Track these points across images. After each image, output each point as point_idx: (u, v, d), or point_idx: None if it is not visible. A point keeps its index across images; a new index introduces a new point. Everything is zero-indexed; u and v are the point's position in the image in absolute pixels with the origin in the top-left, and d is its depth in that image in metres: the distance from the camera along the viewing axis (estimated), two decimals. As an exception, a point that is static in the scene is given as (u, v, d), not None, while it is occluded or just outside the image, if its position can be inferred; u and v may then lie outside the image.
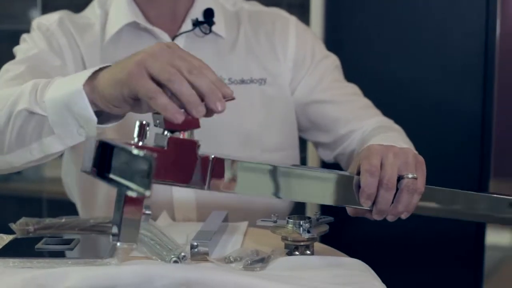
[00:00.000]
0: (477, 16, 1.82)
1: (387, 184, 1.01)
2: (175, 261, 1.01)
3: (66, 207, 1.56)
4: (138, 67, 0.92)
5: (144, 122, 0.90)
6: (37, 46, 1.39)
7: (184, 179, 0.94)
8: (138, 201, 0.87)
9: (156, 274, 0.88)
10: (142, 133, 0.90)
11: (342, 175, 1.05)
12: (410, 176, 1.03)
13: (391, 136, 1.35)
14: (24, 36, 1.44)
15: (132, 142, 0.89)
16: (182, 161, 0.93)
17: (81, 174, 1.45)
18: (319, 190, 1.03)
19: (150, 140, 0.92)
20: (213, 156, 0.95)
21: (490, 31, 1.81)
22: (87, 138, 0.92)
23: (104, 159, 0.89)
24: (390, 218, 1.07)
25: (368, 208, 1.05)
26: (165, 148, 0.91)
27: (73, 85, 1.03)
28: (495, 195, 1.17)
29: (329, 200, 1.04)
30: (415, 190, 1.03)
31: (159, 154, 0.89)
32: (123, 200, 0.87)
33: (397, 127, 1.47)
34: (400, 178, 1.03)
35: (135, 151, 0.84)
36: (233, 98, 0.95)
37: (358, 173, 1.04)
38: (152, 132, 0.91)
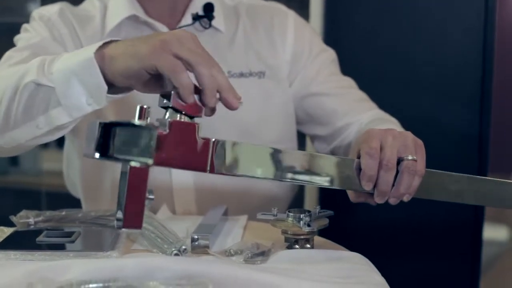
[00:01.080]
0: (476, 14, 1.82)
1: (386, 164, 1.03)
2: (176, 254, 1.01)
3: (65, 200, 1.56)
4: (164, 44, 0.95)
5: (145, 106, 0.91)
6: (39, 35, 1.39)
7: (185, 163, 0.95)
8: (142, 179, 0.89)
9: (157, 267, 0.88)
10: (143, 116, 0.91)
11: (344, 159, 1.06)
12: (409, 157, 1.05)
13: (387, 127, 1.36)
14: (25, 25, 1.44)
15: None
16: (184, 144, 0.94)
17: (85, 168, 1.47)
18: (321, 173, 1.04)
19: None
20: (213, 139, 0.96)
21: (489, 28, 1.81)
22: (88, 124, 0.92)
23: (107, 140, 0.89)
24: (392, 201, 1.08)
25: (370, 191, 1.06)
26: (167, 131, 0.92)
27: (83, 55, 1.03)
28: (498, 180, 1.18)
29: (330, 184, 1.05)
30: (415, 171, 1.05)
31: (161, 137, 0.90)
32: (127, 180, 0.88)
33: (393, 119, 1.48)
34: (400, 161, 1.05)
35: (138, 122, 0.87)
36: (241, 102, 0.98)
37: (358, 158, 1.06)
38: (153, 117, 0.92)
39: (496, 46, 1.85)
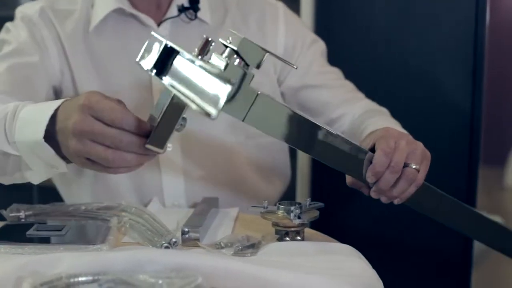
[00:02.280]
0: (467, 6, 1.82)
1: (393, 166, 1.07)
2: (166, 247, 1.01)
3: (56, 194, 1.56)
4: (80, 134, 0.93)
5: (209, 39, 0.93)
6: (20, 37, 1.39)
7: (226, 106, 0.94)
8: (178, 111, 0.91)
9: (146, 260, 0.88)
10: (204, 50, 0.93)
11: (359, 147, 1.08)
12: (413, 166, 1.09)
13: (383, 120, 1.40)
14: (8, 25, 1.44)
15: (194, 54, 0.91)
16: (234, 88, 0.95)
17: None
18: (330, 151, 1.05)
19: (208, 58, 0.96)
20: (258, 92, 0.98)
21: (480, 21, 1.81)
22: (149, 37, 0.93)
23: (166, 60, 0.90)
24: (384, 200, 1.12)
25: (369, 185, 1.09)
26: (223, 71, 0.94)
27: (35, 133, 0.99)
28: (484, 216, 1.23)
29: (335, 164, 1.07)
30: (414, 180, 1.09)
31: (215, 73, 0.89)
32: (165, 108, 0.90)
33: (383, 109, 1.51)
34: (405, 166, 1.08)
35: (220, 74, 0.85)
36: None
37: (371, 150, 1.09)
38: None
39: (488, 39, 1.85)
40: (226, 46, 0.96)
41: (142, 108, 1.25)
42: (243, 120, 0.98)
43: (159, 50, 0.90)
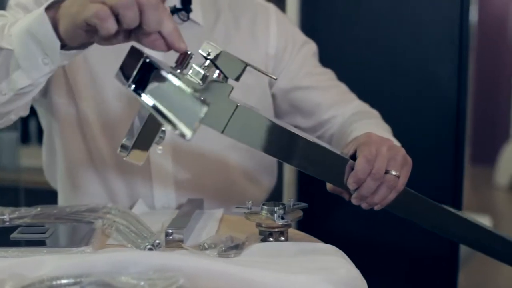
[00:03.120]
0: (452, 4, 1.82)
1: (375, 174, 1.07)
2: (150, 249, 1.01)
3: (43, 196, 1.55)
4: None
5: (189, 52, 0.94)
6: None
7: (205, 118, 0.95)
8: (157, 126, 0.92)
9: (129, 262, 0.88)
10: (183, 63, 0.94)
11: (340, 156, 1.09)
12: (393, 173, 1.09)
13: (370, 123, 1.41)
14: (1, 12, 1.43)
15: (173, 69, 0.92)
16: (212, 101, 0.94)
17: (70, 165, 1.46)
18: (310, 161, 1.06)
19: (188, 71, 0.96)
20: (238, 104, 0.98)
21: (464, 19, 1.82)
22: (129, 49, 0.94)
23: (144, 76, 0.90)
24: (364, 206, 1.13)
25: (350, 191, 1.10)
26: (201, 84, 0.94)
27: (37, 11, 1.03)
28: (470, 220, 1.24)
29: (316, 173, 1.08)
30: (394, 187, 1.09)
31: (193, 87, 0.91)
32: (145, 122, 0.91)
33: (374, 111, 1.52)
34: (385, 172, 1.08)
35: (197, 94, 0.87)
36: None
37: (352, 156, 1.10)
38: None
39: (477, 37, 1.87)
40: (206, 58, 0.96)
41: (135, 106, 1.25)
42: (222, 132, 0.99)
43: (138, 65, 0.90)
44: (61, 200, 1.52)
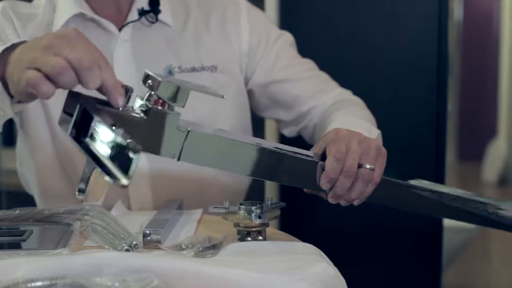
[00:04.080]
0: (431, 1, 1.83)
1: (347, 171, 1.05)
2: (127, 250, 1.01)
3: (24, 199, 1.55)
4: (32, 60, 0.93)
5: (128, 87, 0.95)
6: None
7: (158, 148, 0.98)
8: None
9: (104, 263, 0.88)
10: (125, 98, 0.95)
11: (307, 160, 1.07)
12: (367, 166, 1.07)
13: (349, 112, 1.39)
14: None
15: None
16: (160, 132, 0.97)
17: (40, 167, 1.46)
18: (277, 171, 1.06)
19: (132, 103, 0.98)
20: (189, 129, 0.98)
21: (443, 15, 1.83)
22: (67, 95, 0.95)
23: (83, 122, 0.91)
24: (343, 203, 1.11)
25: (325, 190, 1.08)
26: (144, 118, 0.95)
27: None
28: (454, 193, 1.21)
29: (286, 181, 1.08)
30: (370, 180, 1.07)
31: (138, 123, 0.94)
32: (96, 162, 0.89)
33: (355, 99, 1.52)
34: (359, 166, 1.07)
35: (120, 140, 0.87)
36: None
37: (322, 155, 1.08)
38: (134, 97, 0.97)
39: (462, 34, 1.88)
40: (149, 88, 0.96)
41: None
42: (178, 159, 1.00)
43: (76, 113, 0.91)
44: (39, 204, 1.52)
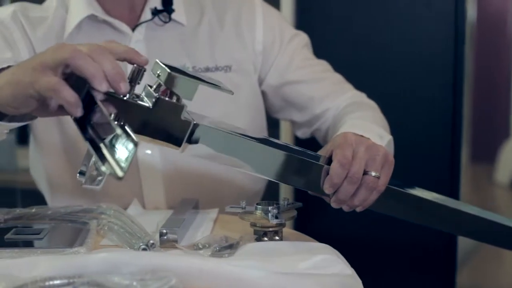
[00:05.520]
0: (447, 0, 1.83)
1: (351, 177, 1.04)
2: (144, 249, 1.01)
3: (40, 197, 1.56)
4: (42, 65, 0.93)
5: (140, 68, 0.95)
6: None
7: (162, 138, 0.98)
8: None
9: (122, 262, 0.88)
10: (136, 79, 0.96)
11: (313, 163, 1.07)
12: (373, 174, 1.06)
13: (363, 115, 1.38)
14: None
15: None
16: (165, 122, 0.97)
17: (49, 167, 1.46)
18: (282, 170, 1.05)
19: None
20: (194, 122, 0.98)
21: (460, 15, 1.82)
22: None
23: (88, 108, 0.91)
24: (346, 209, 1.10)
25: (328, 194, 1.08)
26: (151, 107, 0.95)
27: None
28: (461, 210, 1.20)
29: (289, 181, 1.08)
30: (375, 188, 1.06)
31: (144, 111, 0.94)
32: (95, 149, 0.89)
33: (369, 102, 1.50)
34: (364, 173, 1.06)
35: (119, 131, 0.87)
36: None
37: (329, 159, 1.07)
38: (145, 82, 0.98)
39: (476, 35, 1.87)
40: (158, 78, 0.96)
41: None
42: (181, 152, 1.00)
43: (82, 97, 0.91)
44: (49, 201, 1.52)
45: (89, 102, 0.92)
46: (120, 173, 0.85)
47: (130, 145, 0.86)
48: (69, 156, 1.43)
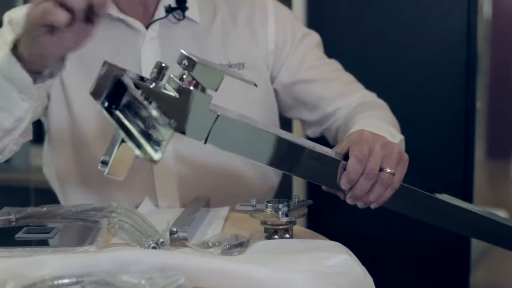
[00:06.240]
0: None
1: (368, 173, 1.04)
2: (154, 247, 1.01)
3: (54, 196, 1.56)
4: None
5: (163, 65, 0.95)
6: (6, 40, 1.39)
7: (184, 129, 0.97)
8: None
9: (131, 260, 0.88)
10: (159, 75, 0.95)
11: (331, 158, 1.06)
12: (388, 170, 1.06)
13: (372, 116, 1.39)
14: None
15: (147, 82, 0.94)
16: (189, 112, 0.96)
17: (60, 168, 1.47)
18: (300, 165, 1.04)
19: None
20: (218, 114, 0.97)
21: (472, 11, 1.80)
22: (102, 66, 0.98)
23: (116, 94, 0.92)
24: (360, 205, 1.10)
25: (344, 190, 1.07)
26: (177, 96, 0.94)
27: (3, 52, 1.07)
28: (475, 211, 1.20)
29: (307, 177, 1.07)
30: (390, 184, 1.06)
31: (169, 100, 0.93)
32: (120, 140, 0.91)
33: (380, 102, 1.51)
34: (380, 170, 1.06)
35: (154, 114, 0.87)
36: None
37: (345, 155, 1.07)
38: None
39: (491, 32, 1.86)
40: (184, 68, 0.96)
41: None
42: (205, 142, 0.99)
43: (111, 83, 0.92)
44: (62, 199, 1.52)
45: (116, 91, 0.92)
46: (156, 156, 0.86)
47: (166, 127, 0.86)
48: (78, 152, 1.43)
